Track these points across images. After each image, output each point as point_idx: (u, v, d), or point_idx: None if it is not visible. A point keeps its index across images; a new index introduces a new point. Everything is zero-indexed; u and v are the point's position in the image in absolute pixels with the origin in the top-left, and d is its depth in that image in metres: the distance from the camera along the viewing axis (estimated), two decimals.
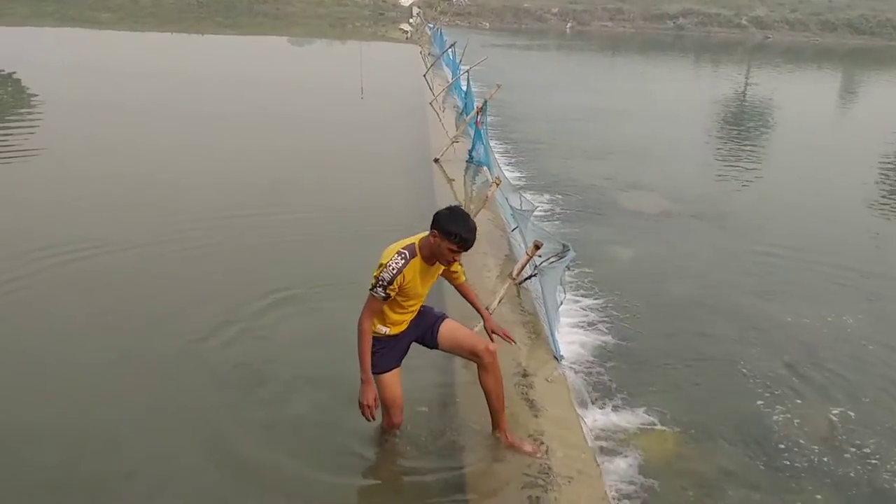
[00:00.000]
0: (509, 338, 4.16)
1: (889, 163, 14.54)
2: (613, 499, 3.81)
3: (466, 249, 3.59)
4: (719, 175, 12.58)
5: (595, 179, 11.18)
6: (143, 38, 31.38)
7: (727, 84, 28.24)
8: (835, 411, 4.97)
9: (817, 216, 10.16)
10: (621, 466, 4.15)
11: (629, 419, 4.65)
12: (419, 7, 50.83)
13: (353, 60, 24.89)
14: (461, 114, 14.20)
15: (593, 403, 4.80)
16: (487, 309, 4.45)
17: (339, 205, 8.75)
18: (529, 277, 5.98)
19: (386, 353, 3.83)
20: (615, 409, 4.76)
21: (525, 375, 4.69)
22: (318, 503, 3.77)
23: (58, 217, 7.86)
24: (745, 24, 59.59)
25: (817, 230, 9.42)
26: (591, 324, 6.05)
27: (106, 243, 6.98)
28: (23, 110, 14.49)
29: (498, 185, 7.27)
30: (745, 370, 5.47)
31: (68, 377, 4.78)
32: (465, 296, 4.12)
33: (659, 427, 4.62)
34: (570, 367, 5.17)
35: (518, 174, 11.15)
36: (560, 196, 10.00)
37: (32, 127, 12.84)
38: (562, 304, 5.91)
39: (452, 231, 3.50)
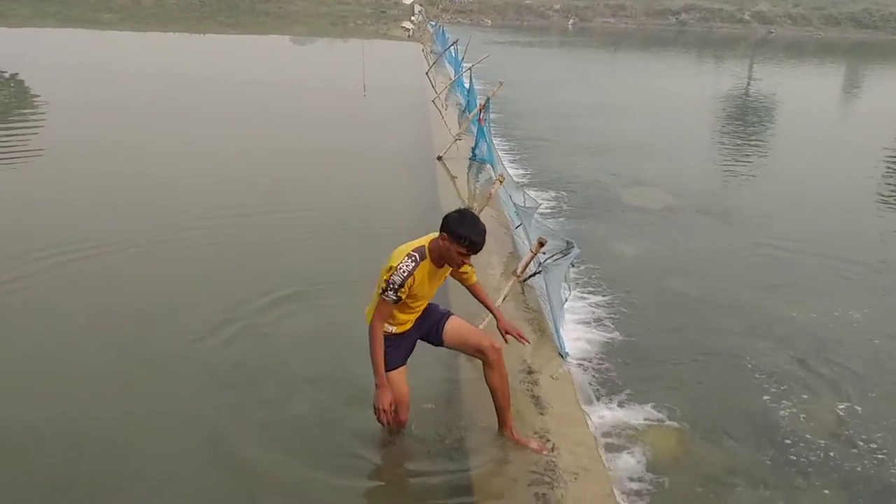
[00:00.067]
0: (523, 338, 4.13)
1: (893, 157, 14.49)
2: (620, 495, 3.80)
3: (476, 252, 3.58)
4: (723, 170, 12.55)
5: (598, 175, 11.16)
6: (145, 38, 31.41)
7: (730, 79, 28.18)
8: (841, 406, 4.95)
9: (822, 210, 10.13)
10: (627, 463, 4.14)
11: (635, 415, 4.64)
12: (421, 5, 50.81)
13: (355, 59, 24.90)
14: (464, 111, 14.18)
15: (599, 400, 4.79)
16: None
17: (342, 203, 8.74)
18: (534, 275, 5.97)
19: (392, 352, 3.82)
20: (621, 405, 4.75)
21: (530, 372, 4.68)
22: (326, 488, 3.77)
23: (59, 217, 7.86)
24: (747, 19, 59.49)
25: (822, 224, 9.40)
26: (596, 320, 6.03)
27: (106, 243, 6.98)
28: (25, 111, 14.52)
29: (501, 182, 7.26)
30: (750, 365, 5.46)
31: (68, 377, 4.77)
32: (476, 296, 4.09)
33: (665, 423, 4.60)
34: (576, 364, 5.16)
35: (521, 171, 11.14)
36: (564, 193, 9.98)
37: (35, 127, 12.86)
38: (566, 301, 5.90)
39: (462, 234, 3.49)
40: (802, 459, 4.37)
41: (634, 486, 3.96)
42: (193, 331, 5.32)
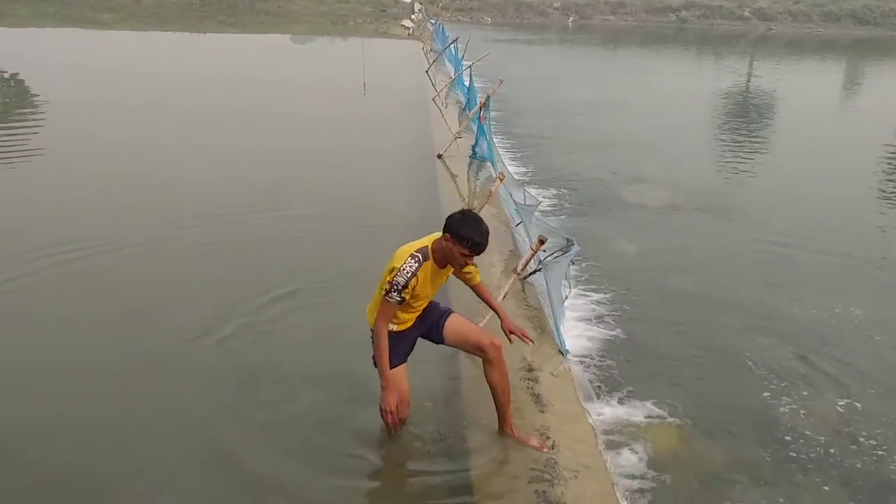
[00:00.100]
0: (527, 338, 4.11)
1: (893, 154, 14.48)
2: (620, 492, 3.80)
3: (479, 253, 3.58)
4: (724, 167, 12.54)
5: (599, 173, 11.16)
6: (145, 37, 31.40)
7: (730, 76, 28.15)
8: (841, 403, 4.96)
9: (822, 207, 10.14)
10: (628, 460, 4.15)
11: (635, 412, 4.65)
12: (421, 3, 50.76)
13: (355, 57, 24.89)
14: (464, 109, 14.19)
15: (599, 397, 4.80)
16: None
17: (342, 201, 8.75)
18: (534, 272, 5.98)
19: (392, 349, 3.81)
20: (621, 402, 4.76)
21: (531, 370, 4.68)
22: (326, 489, 3.77)
23: (58, 216, 7.86)
24: (747, 15, 59.43)
25: (823, 221, 9.40)
26: (597, 318, 6.04)
27: (105, 242, 6.98)
28: (25, 110, 14.52)
29: (501, 180, 7.26)
30: (751, 362, 5.46)
31: (67, 376, 4.77)
32: (480, 296, 4.07)
33: (666, 420, 4.61)
34: (576, 362, 5.17)
35: (522, 169, 11.14)
36: (564, 190, 9.99)
37: (35, 127, 12.88)
38: (567, 298, 5.91)
39: (465, 235, 3.49)
40: (802, 456, 4.38)
41: (635, 483, 3.97)
42: (193, 330, 5.33)
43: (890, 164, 13.52)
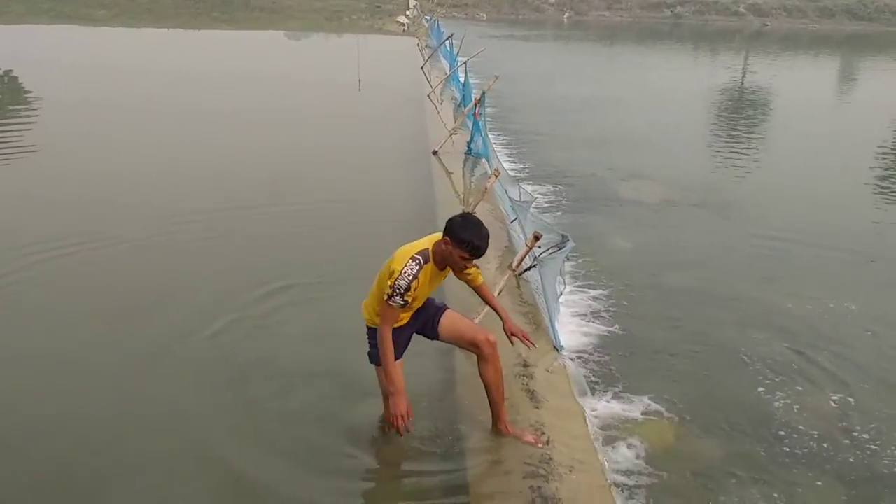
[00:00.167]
0: (528, 340, 4.09)
1: (888, 149, 14.52)
2: (614, 488, 3.82)
3: (478, 257, 3.57)
4: (719, 163, 12.57)
5: (595, 169, 11.17)
6: (139, 34, 31.28)
7: (725, 72, 28.17)
8: (835, 397, 4.98)
9: (818, 202, 10.16)
10: (623, 455, 4.16)
11: (630, 408, 4.66)
12: None
13: (350, 54, 24.85)
14: (459, 106, 14.19)
15: (594, 393, 4.81)
16: None
17: (338, 198, 8.74)
18: (529, 268, 5.99)
19: None
20: (616, 398, 4.76)
21: (525, 366, 4.69)
22: (318, 497, 3.75)
23: (52, 213, 7.84)
24: (742, 11, 59.49)
25: (818, 216, 9.42)
26: (592, 313, 6.04)
27: (99, 238, 6.99)
28: (19, 107, 14.47)
29: (497, 176, 7.27)
30: (745, 357, 5.48)
31: (62, 373, 4.76)
32: (483, 298, 4.05)
33: (660, 415, 4.62)
34: (571, 357, 5.17)
35: (517, 165, 11.14)
36: (560, 187, 9.99)
37: (29, 123, 12.84)
38: (561, 294, 5.91)
39: (465, 239, 3.48)
40: (797, 451, 4.39)
41: (629, 478, 3.98)
42: (188, 326, 5.33)
43: (885, 158, 13.57)
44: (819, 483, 4.12)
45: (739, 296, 6.68)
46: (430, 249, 3.60)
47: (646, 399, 4.76)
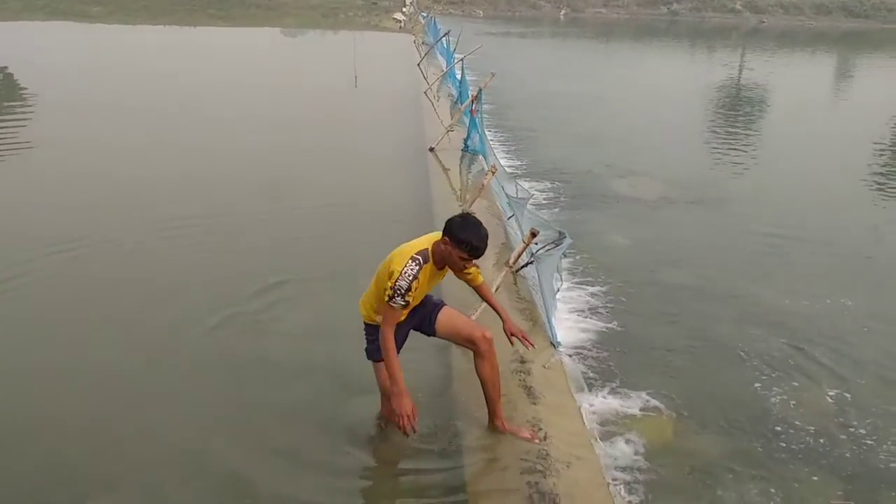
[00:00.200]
0: (528, 341, 4.08)
1: (885, 146, 14.55)
2: (611, 483, 3.82)
3: (477, 257, 3.56)
4: (716, 160, 12.58)
5: (592, 166, 11.17)
6: (134, 31, 31.20)
7: (722, 69, 28.18)
8: (831, 393, 4.99)
9: (815, 199, 10.19)
10: (620, 451, 4.16)
11: (628, 404, 4.66)
12: None
13: (346, 51, 24.80)
14: (456, 103, 14.17)
15: (591, 389, 4.81)
16: None
17: (334, 194, 8.73)
18: (526, 265, 5.99)
19: None
20: (613, 394, 4.77)
21: (522, 362, 4.69)
22: (316, 493, 3.74)
23: (48, 212, 7.78)
24: (739, 8, 59.53)
25: (815, 213, 9.44)
26: (589, 310, 6.05)
27: (93, 239, 6.96)
28: (14, 103, 14.42)
29: (493, 173, 7.26)
30: (743, 353, 5.49)
31: (60, 373, 4.74)
32: (483, 297, 4.04)
33: (657, 411, 4.63)
34: (568, 354, 5.18)
35: (514, 162, 11.14)
36: (557, 183, 9.99)
37: (24, 120, 12.80)
38: (558, 291, 5.92)
39: (464, 239, 3.47)
40: (793, 446, 4.40)
41: (627, 473, 3.99)
42: (184, 324, 5.32)
43: (881, 156, 13.60)
44: (815, 478, 4.14)
45: (737, 292, 6.70)
46: (430, 249, 3.60)
47: (643, 395, 4.77)
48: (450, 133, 11.07)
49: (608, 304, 6.18)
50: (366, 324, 3.88)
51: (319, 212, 8.02)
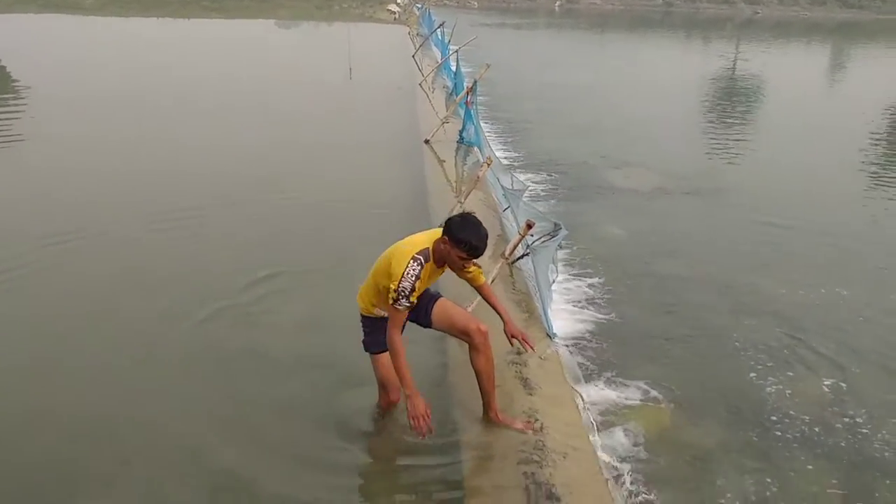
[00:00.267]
0: (528, 343, 4.05)
1: (881, 136, 14.57)
2: (608, 473, 3.83)
3: (476, 257, 3.56)
4: (712, 151, 12.59)
5: (588, 157, 11.17)
6: (127, 23, 31.05)
7: (717, 60, 28.19)
8: (827, 382, 5.01)
9: (810, 189, 10.21)
10: (616, 441, 4.17)
11: (623, 394, 4.67)
12: None
13: (340, 42, 24.72)
14: (451, 94, 14.14)
15: (588, 380, 4.82)
16: None
17: (329, 187, 8.71)
18: (522, 257, 5.99)
19: (383, 334, 3.83)
20: (609, 384, 4.78)
21: (519, 353, 4.69)
22: (314, 487, 3.73)
23: (40, 205, 7.76)
24: None
25: (811, 203, 9.46)
26: (586, 301, 6.06)
27: (86, 231, 6.93)
28: (6, 96, 14.33)
29: (489, 165, 7.25)
30: (738, 343, 5.51)
31: (53, 368, 4.72)
32: (485, 298, 4.01)
33: (653, 401, 4.64)
34: (564, 345, 5.18)
35: (510, 154, 11.13)
36: (553, 175, 9.99)
37: (18, 112, 12.74)
38: (554, 282, 5.92)
39: (463, 239, 3.47)
40: (788, 435, 4.42)
41: (623, 463, 4.00)
42: (182, 318, 5.30)
43: (877, 146, 13.61)
44: (810, 467, 4.15)
45: (733, 282, 6.71)
46: (431, 248, 3.59)
47: (640, 385, 4.78)
48: (445, 125, 11.05)
49: (604, 295, 6.18)
50: (362, 316, 3.87)
51: (314, 204, 8.00)
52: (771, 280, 6.76)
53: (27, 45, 20.56)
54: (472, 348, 3.83)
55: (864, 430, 4.50)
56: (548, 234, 5.89)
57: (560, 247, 6.18)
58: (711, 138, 13.63)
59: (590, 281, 6.45)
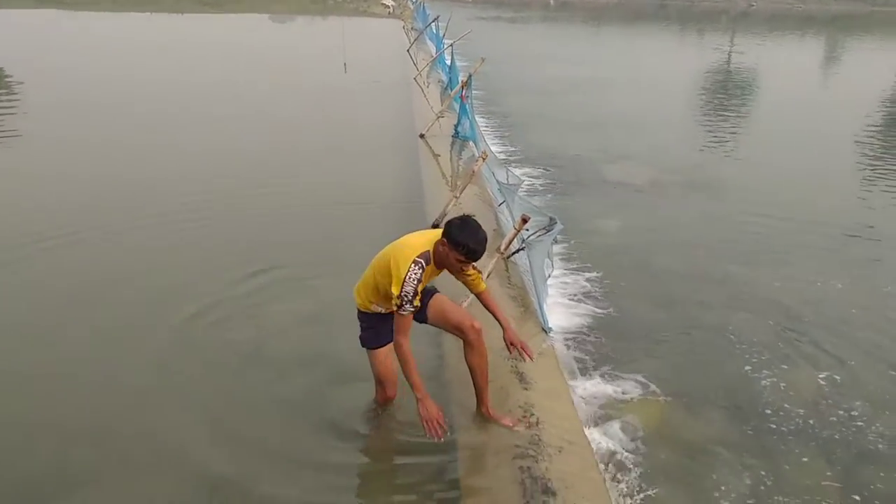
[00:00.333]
0: (527, 351, 4.02)
1: (875, 129, 14.59)
2: (603, 467, 3.85)
3: (474, 260, 3.56)
4: (707, 144, 12.60)
5: (583, 151, 11.17)
6: (121, 18, 30.91)
7: (713, 53, 28.16)
8: (821, 375, 5.03)
9: (805, 182, 10.23)
10: (612, 434, 4.19)
11: (619, 388, 4.69)
12: None
13: (335, 37, 24.62)
14: (446, 88, 14.12)
15: (583, 374, 4.83)
16: None
17: (325, 182, 8.70)
18: (517, 251, 5.99)
19: (379, 329, 3.85)
20: (605, 378, 4.79)
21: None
22: (311, 483, 3.73)
23: (37, 202, 7.73)
24: None
25: (806, 196, 9.47)
26: (582, 295, 6.07)
27: (82, 228, 6.90)
28: (0, 91, 14.27)
29: (484, 159, 7.24)
30: (733, 336, 5.52)
31: (55, 363, 4.72)
32: (485, 305, 3.99)
33: (649, 395, 4.66)
34: (560, 339, 5.19)
35: (506, 148, 11.13)
36: (548, 169, 9.99)
37: (11, 108, 12.66)
38: (549, 276, 5.92)
39: (461, 242, 3.46)
40: (783, 428, 4.44)
41: (618, 457, 4.02)
42: (181, 312, 5.29)
43: (871, 138, 13.62)
44: (804, 459, 4.18)
45: (728, 275, 6.72)
46: (431, 251, 3.59)
47: (635, 379, 4.80)
48: (440, 119, 11.03)
49: (601, 289, 6.20)
50: (359, 311, 3.87)
51: (307, 199, 7.99)
52: (766, 272, 6.78)
53: (22, 41, 20.44)
54: (467, 344, 3.83)
55: (859, 423, 4.52)
56: (543, 229, 5.88)
57: (556, 241, 6.18)
58: (707, 131, 13.63)
59: (586, 275, 6.46)
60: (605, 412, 4.42)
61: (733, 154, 11.92)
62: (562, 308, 5.77)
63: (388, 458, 4.02)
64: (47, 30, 25.44)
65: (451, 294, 4.28)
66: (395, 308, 3.51)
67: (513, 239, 5.74)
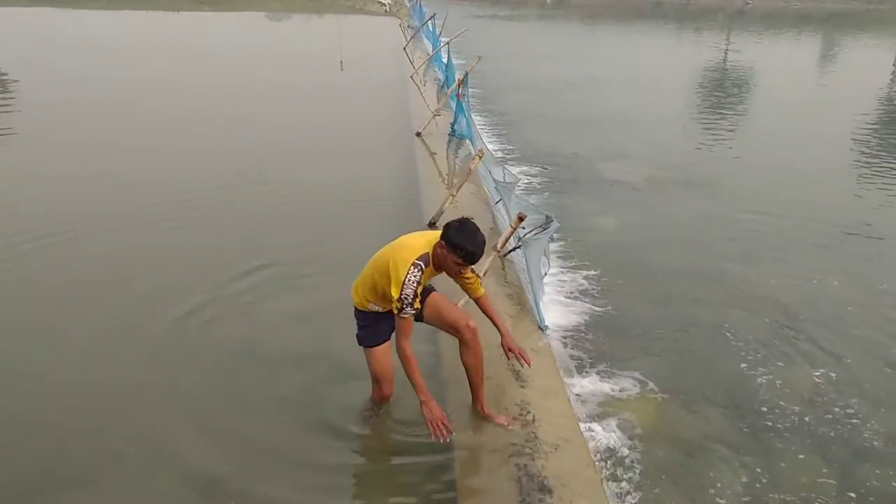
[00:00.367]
0: (525, 358, 3.98)
1: (871, 126, 14.61)
2: (599, 465, 3.84)
3: (472, 263, 3.55)
4: (704, 142, 12.60)
5: (580, 150, 11.16)
6: (118, 16, 30.84)
7: (709, 51, 28.18)
8: (817, 373, 5.03)
9: (802, 181, 10.23)
10: (608, 432, 4.19)
11: (615, 386, 4.69)
12: None
13: (331, 35, 24.60)
14: (442, 87, 14.10)
15: (580, 371, 4.83)
16: None
17: (321, 180, 8.70)
18: (514, 249, 5.98)
19: (377, 327, 3.85)
20: (601, 376, 4.79)
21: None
22: (306, 482, 3.72)
23: (31, 199, 7.71)
24: None
25: (802, 194, 9.47)
26: (578, 292, 6.07)
27: (77, 225, 6.90)
28: None
29: (481, 157, 7.23)
30: (729, 334, 5.52)
31: (50, 362, 4.70)
32: (483, 310, 3.96)
33: (645, 393, 4.66)
34: (556, 337, 5.19)
35: (502, 146, 11.12)
36: (545, 167, 9.98)
37: (6, 106, 12.64)
38: (546, 274, 5.92)
39: (458, 244, 3.46)
40: (779, 425, 4.44)
41: (615, 454, 4.02)
42: (175, 310, 5.29)
43: (867, 136, 13.64)
44: (801, 457, 4.18)
45: (724, 273, 6.73)
46: (430, 254, 3.58)
47: (632, 376, 4.80)
48: (437, 117, 11.02)
49: (597, 287, 6.19)
50: (357, 309, 3.86)
51: (304, 197, 7.99)
52: (762, 270, 6.79)
53: (15, 40, 20.37)
54: (462, 343, 3.83)
55: (855, 420, 4.52)
56: (540, 227, 5.88)
57: (552, 239, 6.18)
58: (704, 129, 13.64)
59: (583, 273, 6.45)
60: (602, 410, 4.42)
61: (730, 152, 11.92)
62: (558, 306, 5.77)
63: (384, 458, 4.01)
64: (42, 28, 25.36)
65: (447, 293, 4.28)
66: (395, 311, 3.51)
67: (509, 237, 5.74)
